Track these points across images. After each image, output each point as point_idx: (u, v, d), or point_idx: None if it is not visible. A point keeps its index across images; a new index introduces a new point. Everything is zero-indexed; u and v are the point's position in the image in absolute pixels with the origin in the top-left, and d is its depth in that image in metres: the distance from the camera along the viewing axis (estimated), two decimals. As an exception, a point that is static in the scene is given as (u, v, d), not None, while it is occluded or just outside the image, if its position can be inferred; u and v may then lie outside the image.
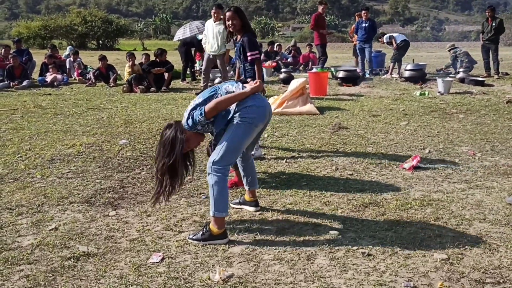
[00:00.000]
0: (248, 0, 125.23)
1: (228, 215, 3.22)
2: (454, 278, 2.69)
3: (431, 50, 37.45)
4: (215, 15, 9.23)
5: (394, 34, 13.30)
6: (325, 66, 12.61)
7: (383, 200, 3.95)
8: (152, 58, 11.52)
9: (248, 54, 4.77)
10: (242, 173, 3.72)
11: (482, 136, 6.13)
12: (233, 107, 3.13)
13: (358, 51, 12.95)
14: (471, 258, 2.92)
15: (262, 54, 15.40)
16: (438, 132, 6.43)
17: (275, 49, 15.60)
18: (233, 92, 3.14)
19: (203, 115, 3.06)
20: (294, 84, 7.93)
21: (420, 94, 9.56)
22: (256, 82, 3.23)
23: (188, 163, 3.30)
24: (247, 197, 3.76)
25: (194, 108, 3.12)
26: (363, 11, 12.65)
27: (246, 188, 3.73)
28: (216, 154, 3.12)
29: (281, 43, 16.88)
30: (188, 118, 3.12)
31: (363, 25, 12.55)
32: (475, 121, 7.13)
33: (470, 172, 4.72)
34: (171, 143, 3.09)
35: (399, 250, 3.02)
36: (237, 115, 3.12)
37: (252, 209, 3.73)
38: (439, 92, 9.70)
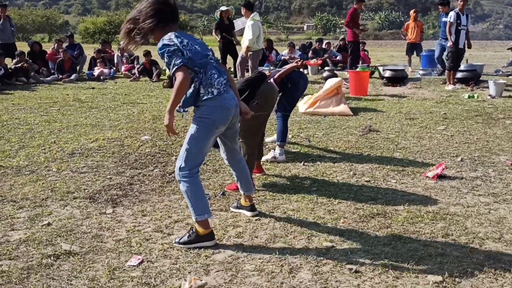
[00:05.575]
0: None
1: (211, 215, 3.10)
2: (441, 305, 2.43)
3: (499, 49, 35.28)
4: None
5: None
6: (370, 65, 12.01)
7: (392, 211, 3.68)
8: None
9: None
10: (235, 177, 3.57)
11: (526, 145, 5.63)
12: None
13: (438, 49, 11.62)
14: (469, 283, 2.63)
15: (310, 51, 15.12)
16: (477, 138, 5.97)
17: (323, 46, 15.23)
18: None
19: (172, 71, 2.90)
20: (329, 83, 7.66)
21: (469, 97, 8.96)
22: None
23: None
24: (243, 201, 3.61)
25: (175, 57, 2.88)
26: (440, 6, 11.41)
27: (242, 192, 3.58)
28: (181, 160, 3.04)
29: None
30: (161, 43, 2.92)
31: (443, 19, 10.98)
32: (523, 127, 6.57)
33: (501, 184, 4.33)
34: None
35: (391, 269, 2.77)
36: (198, 113, 3.06)
37: (248, 213, 3.59)
38: (489, 95, 9.04)
